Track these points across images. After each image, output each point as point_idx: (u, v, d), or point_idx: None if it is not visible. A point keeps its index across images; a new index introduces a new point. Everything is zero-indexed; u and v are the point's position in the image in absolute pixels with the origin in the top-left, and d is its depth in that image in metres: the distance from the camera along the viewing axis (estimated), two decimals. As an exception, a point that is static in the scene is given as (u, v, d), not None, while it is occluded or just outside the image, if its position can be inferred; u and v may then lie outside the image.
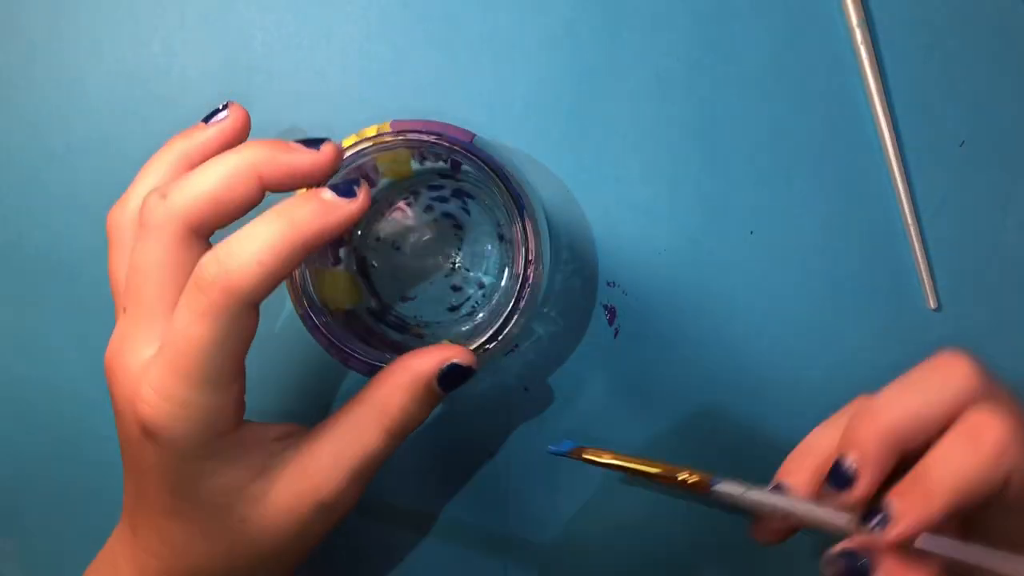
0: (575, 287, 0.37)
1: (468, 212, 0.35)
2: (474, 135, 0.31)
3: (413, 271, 0.35)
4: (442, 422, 0.38)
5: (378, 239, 0.35)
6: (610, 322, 0.37)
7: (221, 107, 0.29)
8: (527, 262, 0.29)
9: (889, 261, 0.37)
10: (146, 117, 0.37)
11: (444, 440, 0.38)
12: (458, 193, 0.35)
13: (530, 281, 0.29)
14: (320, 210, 0.25)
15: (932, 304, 0.37)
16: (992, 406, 0.26)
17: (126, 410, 0.27)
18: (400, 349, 0.34)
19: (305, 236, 0.25)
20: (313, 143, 0.27)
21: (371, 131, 0.30)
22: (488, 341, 0.29)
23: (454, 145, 0.29)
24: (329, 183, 0.26)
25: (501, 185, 0.29)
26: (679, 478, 0.28)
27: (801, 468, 0.29)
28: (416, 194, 0.35)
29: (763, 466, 0.38)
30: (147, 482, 0.27)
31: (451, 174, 0.34)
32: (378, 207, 0.35)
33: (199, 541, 0.27)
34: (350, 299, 0.34)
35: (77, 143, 0.37)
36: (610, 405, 0.38)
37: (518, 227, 0.29)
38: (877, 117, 0.36)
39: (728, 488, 0.28)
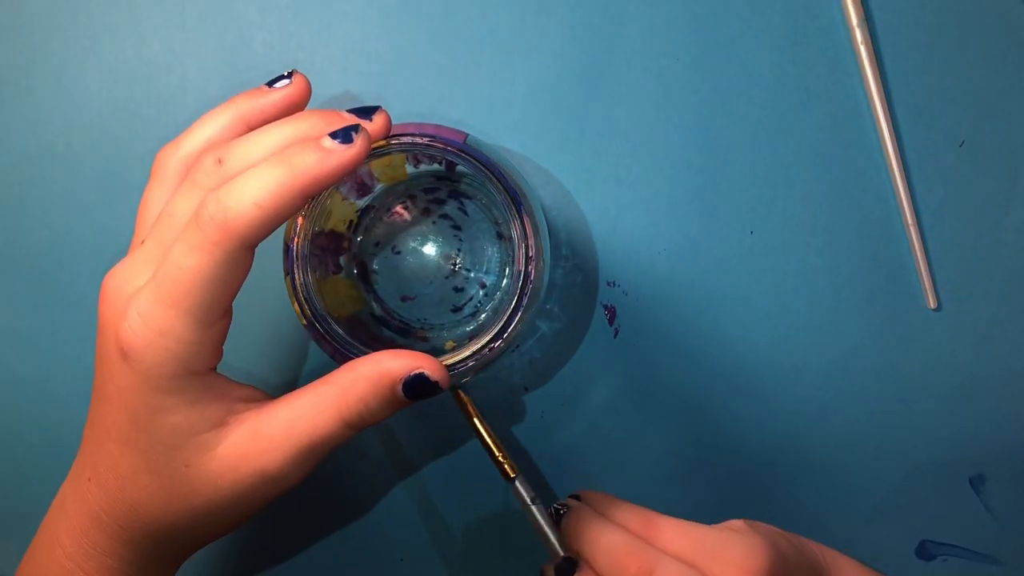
0: (575, 287, 0.37)
1: (466, 213, 0.35)
2: (467, 135, 0.31)
3: (414, 274, 0.35)
4: (442, 422, 0.38)
5: (377, 244, 0.35)
6: (610, 322, 0.37)
7: (286, 73, 0.30)
8: (528, 259, 0.29)
9: (889, 261, 0.37)
10: (146, 117, 0.37)
11: (444, 440, 0.38)
12: (455, 194, 0.35)
13: (532, 278, 0.29)
14: (319, 156, 0.25)
15: (932, 304, 0.37)
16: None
17: (109, 330, 0.27)
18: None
19: (304, 181, 0.25)
20: (365, 112, 0.28)
21: None
22: (493, 339, 0.29)
23: (448, 146, 0.29)
24: (331, 130, 0.26)
25: (498, 183, 0.29)
26: (500, 460, 0.32)
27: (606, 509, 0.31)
28: (413, 198, 0.35)
29: (763, 465, 0.38)
30: (110, 406, 0.27)
31: (447, 176, 0.34)
32: (376, 212, 0.35)
33: (143, 475, 0.27)
34: (352, 305, 0.34)
35: (77, 143, 0.37)
36: (610, 405, 0.38)
37: (517, 224, 0.29)
38: (877, 117, 0.36)
39: (522, 488, 0.32)
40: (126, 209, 0.37)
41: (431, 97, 0.37)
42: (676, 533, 0.30)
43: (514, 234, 0.30)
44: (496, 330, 0.29)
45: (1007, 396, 0.38)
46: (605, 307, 0.37)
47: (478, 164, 0.29)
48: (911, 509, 0.38)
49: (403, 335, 0.35)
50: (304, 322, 0.30)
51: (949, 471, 0.38)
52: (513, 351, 0.38)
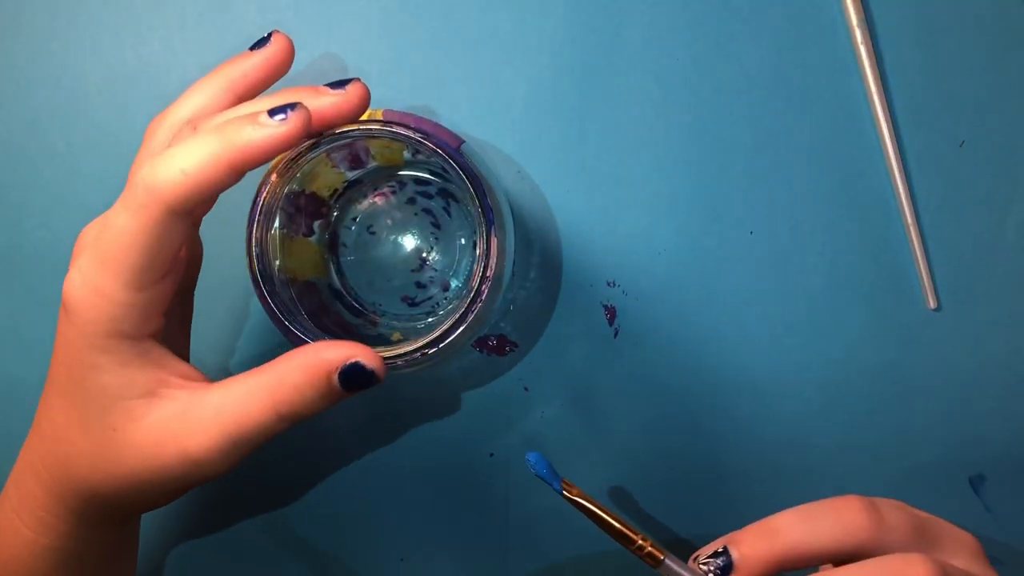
0: (574, 287, 0.37)
1: (449, 214, 0.35)
2: (463, 141, 0.30)
3: (382, 259, 0.35)
4: (442, 422, 0.38)
5: (355, 219, 0.35)
6: (610, 322, 0.37)
7: (267, 35, 0.30)
8: (483, 278, 0.29)
9: (889, 261, 0.37)
10: (146, 117, 0.37)
11: (444, 440, 0.38)
12: (443, 193, 0.35)
13: (482, 297, 0.29)
14: (253, 132, 0.25)
15: (932, 304, 0.37)
16: (922, 557, 0.26)
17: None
18: (350, 331, 0.34)
19: (234, 155, 0.25)
20: (339, 84, 0.28)
21: (362, 116, 0.30)
22: (427, 346, 0.29)
23: (437, 148, 0.29)
24: (270, 108, 0.26)
25: (474, 197, 0.29)
26: (636, 544, 0.28)
27: (755, 545, 0.27)
28: (403, 184, 0.35)
29: (763, 465, 0.38)
30: (56, 358, 0.28)
31: (440, 173, 0.34)
32: (362, 189, 0.35)
33: (75, 430, 0.28)
34: (313, 271, 0.34)
35: (77, 143, 0.37)
36: (610, 405, 0.38)
37: (482, 242, 0.29)
38: (877, 117, 0.36)
39: (674, 565, 0.28)
40: (126, 209, 0.37)
41: (431, 97, 0.37)
42: (791, 520, 0.27)
43: (478, 251, 0.29)
44: (432, 337, 0.29)
45: (1007, 396, 0.38)
46: (605, 307, 0.37)
47: (460, 174, 0.29)
48: (911, 509, 0.38)
49: (354, 314, 0.35)
50: (251, 276, 0.30)
51: (949, 471, 0.38)
52: (512, 350, 0.38)
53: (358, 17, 0.37)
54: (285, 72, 0.31)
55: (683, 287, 0.37)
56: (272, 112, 0.26)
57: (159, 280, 0.27)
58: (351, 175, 0.34)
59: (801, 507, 0.27)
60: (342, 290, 0.35)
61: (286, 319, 0.29)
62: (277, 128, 0.25)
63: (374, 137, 0.29)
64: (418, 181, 0.35)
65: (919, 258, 0.37)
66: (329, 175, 0.34)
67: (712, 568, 0.27)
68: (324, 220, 0.34)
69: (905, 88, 0.37)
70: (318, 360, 0.27)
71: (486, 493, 0.38)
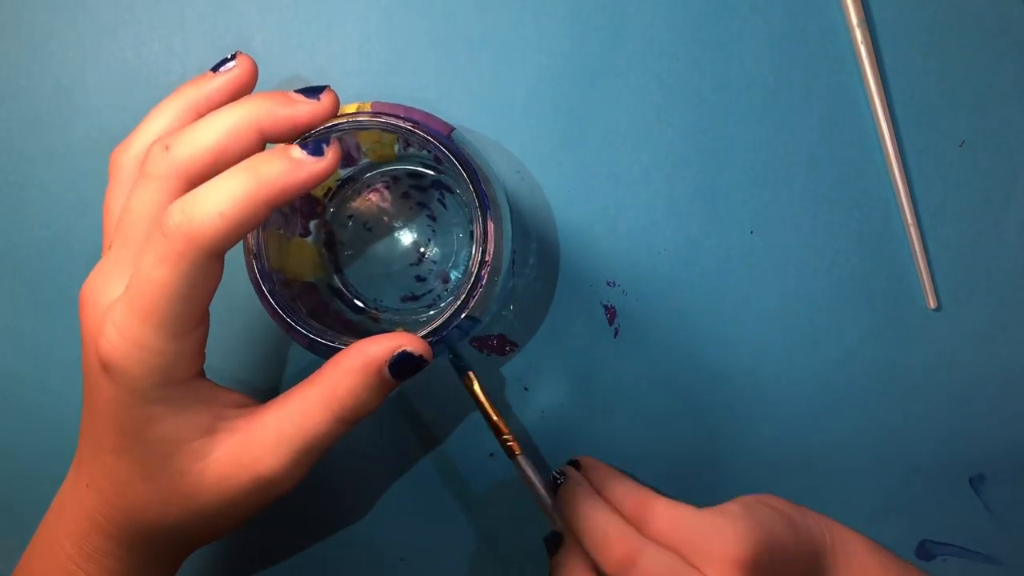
0: (574, 287, 0.37)
1: (444, 206, 0.35)
2: (453, 128, 0.30)
3: (380, 255, 0.35)
4: (442, 422, 0.38)
5: (350, 217, 0.35)
6: (610, 322, 0.37)
7: (229, 56, 0.30)
8: (482, 262, 0.29)
9: (889, 261, 0.37)
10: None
11: (444, 440, 0.38)
12: (437, 185, 0.35)
13: (483, 282, 0.29)
14: (287, 167, 0.25)
15: (932, 304, 0.37)
16: None
17: (90, 343, 0.27)
18: (353, 329, 0.34)
19: (270, 192, 0.25)
20: (312, 92, 0.28)
21: (351, 108, 0.30)
22: (429, 334, 0.29)
23: (428, 136, 0.29)
24: (299, 141, 0.26)
25: (468, 183, 0.29)
26: (505, 439, 0.34)
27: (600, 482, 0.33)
28: (396, 179, 0.35)
29: (763, 465, 0.38)
30: (100, 417, 0.28)
31: (433, 165, 0.34)
32: (356, 186, 0.35)
33: (138, 482, 0.28)
34: (312, 271, 0.34)
35: (77, 143, 0.37)
36: (610, 405, 0.38)
37: (479, 226, 0.29)
38: (877, 117, 0.36)
39: (524, 464, 0.34)
40: (126, 209, 0.37)
41: (431, 97, 0.37)
42: (667, 518, 0.30)
43: (476, 236, 0.29)
44: (435, 326, 0.29)
45: (1007, 396, 0.38)
46: (605, 307, 0.37)
47: (452, 160, 0.29)
48: (911, 509, 0.38)
49: (355, 312, 0.35)
50: (251, 276, 0.30)
51: (949, 471, 0.38)
52: (512, 350, 0.38)
53: (358, 17, 0.37)
54: (247, 93, 0.30)
55: (683, 287, 0.37)
56: (304, 146, 0.26)
57: (201, 322, 0.27)
58: (344, 173, 0.34)
59: (679, 508, 0.31)
60: (342, 288, 0.35)
61: (289, 317, 0.29)
62: (316, 165, 0.25)
63: (364, 129, 0.29)
64: (411, 175, 0.35)
65: (919, 258, 0.37)
66: None
67: (553, 476, 0.34)
68: (320, 219, 0.34)
69: (905, 88, 0.37)
70: (366, 359, 0.28)
71: (486, 493, 0.38)
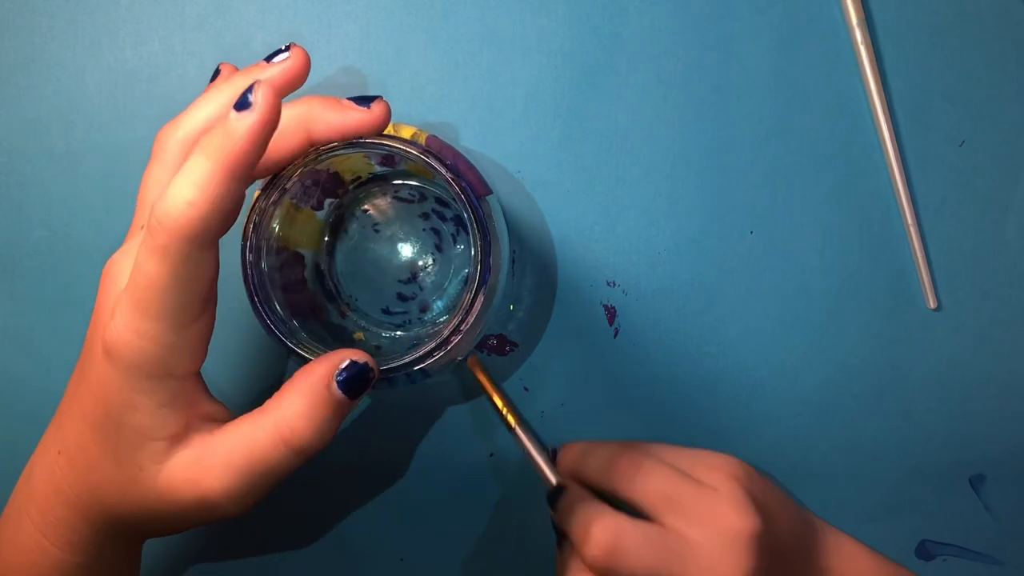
0: (574, 287, 0.37)
1: (455, 242, 0.35)
2: (490, 192, 0.30)
3: (375, 258, 0.35)
4: (442, 422, 0.38)
5: (365, 211, 0.35)
6: (610, 322, 0.37)
7: (283, 48, 0.29)
8: (456, 330, 0.29)
9: (889, 261, 0.37)
10: (146, 117, 0.37)
11: (444, 440, 0.38)
12: (457, 220, 0.35)
13: (448, 347, 0.29)
14: (225, 134, 0.24)
15: (932, 304, 0.37)
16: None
17: (100, 322, 0.28)
18: (316, 313, 0.34)
19: (224, 165, 0.24)
20: (364, 100, 0.28)
21: (408, 131, 0.30)
22: (389, 371, 0.29)
23: (462, 193, 0.28)
24: (233, 103, 0.25)
25: (479, 250, 0.29)
26: (503, 411, 0.36)
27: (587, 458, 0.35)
28: (423, 197, 0.35)
29: (763, 465, 0.38)
30: (90, 391, 0.28)
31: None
32: (383, 186, 0.35)
33: (107, 462, 0.28)
34: (308, 243, 0.34)
35: (77, 143, 0.37)
36: (610, 405, 0.38)
37: (468, 296, 0.29)
38: (877, 117, 0.36)
39: (523, 433, 0.36)
40: (126, 209, 0.37)
41: (431, 97, 0.37)
42: (665, 449, 0.34)
43: (463, 301, 0.29)
44: (390, 366, 0.29)
45: (1007, 396, 0.38)
46: (605, 307, 0.37)
47: (473, 223, 0.28)
48: (911, 509, 0.38)
49: (327, 298, 0.35)
50: (243, 242, 0.29)
51: (949, 471, 0.38)
52: (512, 350, 0.38)
53: (358, 17, 0.37)
54: (299, 87, 0.30)
55: (683, 287, 0.37)
56: (237, 106, 0.24)
57: (201, 313, 0.27)
58: (379, 170, 0.34)
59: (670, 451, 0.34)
60: (326, 272, 0.35)
61: (256, 294, 0.29)
62: (246, 118, 0.24)
63: (409, 160, 0.29)
64: (439, 200, 0.35)
65: (919, 258, 0.37)
66: (359, 162, 0.34)
67: (552, 449, 0.36)
68: (337, 201, 0.34)
69: (905, 88, 0.37)
70: (314, 377, 0.27)
71: (486, 493, 0.38)
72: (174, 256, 0.25)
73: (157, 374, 0.26)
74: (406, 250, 0.35)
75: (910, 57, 0.37)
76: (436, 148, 0.29)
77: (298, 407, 0.27)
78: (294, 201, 0.32)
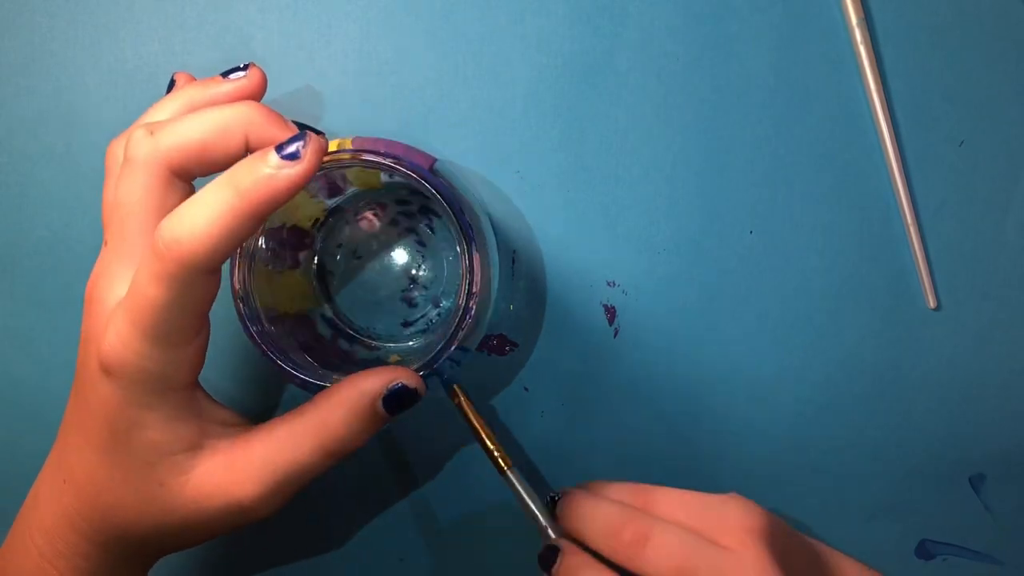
0: (574, 287, 0.37)
1: (432, 231, 0.35)
2: (435, 160, 0.30)
3: (371, 282, 0.35)
4: (442, 422, 0.38)
5: (339, 246, 0.35)
6: (610, 322, 0.37)
7: (242, 66, 0.30)
8: (469, 294, 0.29)
9: (889, 261, 0.37)
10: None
11: (444, 440, 0.38)
12: (425, 211, 0.35)
13: (471, 313, 0.29)
14: (265, 176, 0.24)
15: (932, 304, 0.37)
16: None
17: (92, 343, 0.27)
18: (348, 358, 0.34)
19: (252, 204, 0.24)
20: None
21: (332, 145, 0.30)
22: (420, 368, 0.29)
23: (410, 171, 0.29)
24: (276, 146, 0.25)
25: (452, 215, 0.29)
26: (494, 453, 0.33)
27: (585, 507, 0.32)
28: (383, 206, 0.35)
29: (763, 465, 0.38)
30: (91, 414, 0.27)
31: (420, 191, 0.34)
32: (344, 215, 0.35)
33: (119, 485, 0.28)
34: (303, 303, 0.34)
35: (77, 143, 0.37)
36: (610, 405, 0.38)
37: (465, 259, 0.29)
38: (877, 117, 0.36)
39: (515, 479, 0.33)
40: (126, 209, 0.37)
41: (431, 97, 0.37)
42: (672, 501, 0.30)
43: (462, 268, 0.29)
44: (426, 360, 0.29)
45: (1007, 396, 0.38)
46: (605, 307, 0.37)
47: (436, 194, 0.29)
48: (911, 509, 0.38)
49: (349, 341, 0.35)
50: (239, 319, 0.30)
51: (949, 471, 0.38)
52: (512, 350, 0.38)
53: (358, 17, 0.37)
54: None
55: (683, 287, 0.37)
56: (281, 150, 0.25)
57: (200, 329, 0.27)
58: (331, 203, 0.34)
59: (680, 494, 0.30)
60: (335, 318, 0.35)
61: (277, 357, 0.29)
62: (293, 171, 0.24)
63: (345, 167, 0.29)
64: (399, 201, 0.35)
65: (919, 258, 0.37)
66: (309, 206, 0.34)
67: (550, 497, 0.33)
68: (309, 251, 0.35)
69: (905, 88, 0.37)
70: (359, 393, 0.28)
71: (486, 493, 0.38)
72: (180, 282, 0.25)
73: (159, 390, 0.26)
74: (394, 262, 0.35)
75: (910, 57, 0.37)
76: (364, 145, 0.29)
77: (341, 419, 0.28)
78: (268, 267, 0.32)
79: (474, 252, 0.29)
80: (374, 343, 0.35)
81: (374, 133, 0.37)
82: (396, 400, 0.28)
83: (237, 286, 0.30)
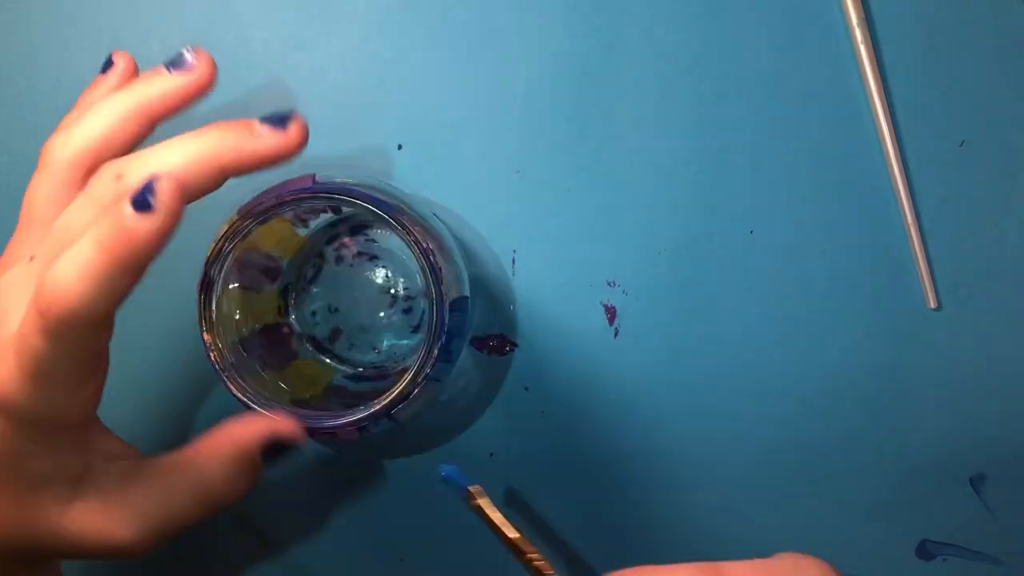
0: (574, 287, 0.37)
1: (374, 240, 0.35)
2: (314, 175, 0.29)
3: (361, 320, 0.35)
4: (442, 422, 0.38)
5: (314, 313, 0.35)
6: (610, 322, 0.37)
7: (187, 52, 0.27)
8: (439, 303, 0.28)
9: (889, 261, 0.37)
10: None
11: (444, 440, 0.38)
12: (356, 231, 0.35)
13: (444, 326, 0.28)
14: (121, 232, 0.22)
15: (932, 304, 0.37)
16: None
17: None
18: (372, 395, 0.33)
19: (118, 260, 0.22)
20: (278, 121, 0.26)
21: (224, 227, 0.28)
22: (415, 377, 0.28)
23: (333, 194, 0.27)
24: (134, 195, 0.22)
25: (393, 222, 0.28)
26: (528, 557, 0.28)
27: None
28: (321, 255, 0.35)
29: (763, 465, 0.38)
30: None
31: (339, 219, 0.34)
32: (296, 287, 0.35)
33: (7, 507, 0.27)
34: (324, 379, 0.34)
35: (77, 143, 0.37)
36: (610, 405, 0.38)
37: (424, 266, 0.28)
38: (877, 117, 0.36)
39: None
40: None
41: (431, 97, 0.37)
42: (743, 570, 0.26)
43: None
44: (385, 403, 0.28)
45: (1007, 396, 0.38)
46: (605, 307, 0.37)
47: (364, 204, 0.28)
48: (911, 509, 0.38)
49: (381, 379, 0.35)
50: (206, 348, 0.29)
51: (949, 471, 0.38)
52: (511, 350, 0.38)
53: (358, 17, 0.37)
54: (204, 97, 0.28)
55: (683, 287, 0.37)
56: (136, 205, 0.22)
57: (94, 372, 0.25)
58: (277, 286, 0.34)
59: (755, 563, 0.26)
60: (356, 374, 0.35)
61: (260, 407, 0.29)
62: (148, 224, 0.22)
63: (247, 236, 0.28)
64: (328, 241, 0.35)
65: (919, 258, 0.37)
66: (262, 301, 0.33)
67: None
68: (294, 336, 0.35)
69: (905, 88, 0.37)
70: (238, 446, 0.27)
71: (487, 493, 0.38)
72: (63, 337, 0.23)
73: (50, 428, 0.25)
74: (366, 291, 0.35)
75: (910, 57, 0.37)
76: (248, 208, 0.28)
77: (222, 474, 0.27)
78: (269, 370, 0.32)
79: (436, 266, 0.28)
80: (404, 364, 0.35)
81: (374, 132, 0.37)
82: (273, 451, 0.27)
83: (202, 308, 0.29)
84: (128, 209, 0.22)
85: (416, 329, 0.35)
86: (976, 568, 0.39)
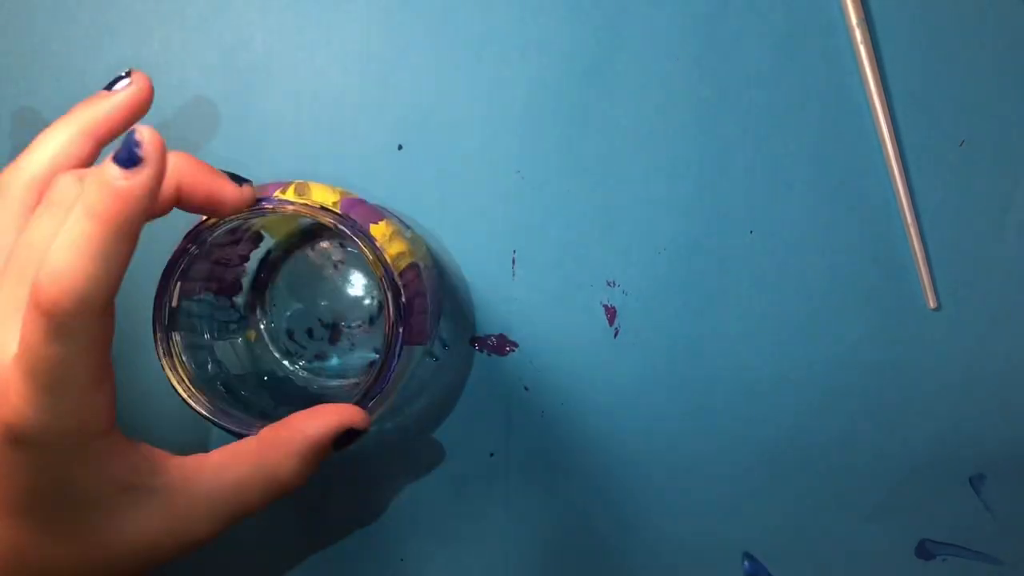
0: (574, 287, 0.37)
1: (343, 245, 0.35)
2: (249, 184, 0.29)
3: (350, 345, 0.36)
4: (442, 422, 0.38)
5: (290, 334, 0.35)
6: (610, 322, 0.37)
7: (124, 74, 0.29)
8: (398, 312, 0.28)
9: (889, 261, 0.37)
10: (146, 118, 0.37)
11: (444, 440, 0.38)
12: (309, 240, 0.35)
13: (399, 339, 0.28)
14: (114, 192, 0.22)
15: (932, 304, 0.37)
16: None
17: None
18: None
19: (112, 224, 0.22)
20: (237, 179, 0.27)
21: (288, 192, 0.29)
22: (366, 399, 0.29)
23: (350, 231, 0.28)
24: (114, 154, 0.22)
25: (368, 255, 0.28)
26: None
27: None
28: (297, 275, 0.35)
29: (763, 465, 0.38)
30: (3, 483, 0.25)
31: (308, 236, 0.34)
32: (272, 319, 0.35)
33: (49, 543, 0.26)
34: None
35: (77, 143, 0.37)
36: (610, 405, 0.38)
37: (384, 285, 0.28)
38: (877, 117, 0.36)
39: None
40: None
41: (431, 97, 0.37)
42: None
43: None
44: (366, 392, 0.29)
45: (1007, 396, 0.38)
46: (605, 307, 0.37)
47: (352, 238, 0.28)
48: (911, 509, 0.38)
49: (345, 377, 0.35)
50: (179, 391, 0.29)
51: (949, 471, 0.38)
52: (511, 350, 0.38)
53: (358, 17, 0.37)
54: (145, 113, 0.29)
55: (683, 287, 0.37)
56: (123, 162, 0.22)
57: (108, 374, 0.25)
58: (238, 301, 0.34)
59: None
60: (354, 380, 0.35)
61: (243, 430, 0.29)
62: (142, 174, 0.22)
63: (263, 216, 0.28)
64: (300, 262, 0.35)
65: (919, 258, 0.37)
66: (246, 352, 0.34)
67: None
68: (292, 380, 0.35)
69: (905, 88, 0.37)
70: (310, 442, 0.27)
71: (486, 493, 0.38)
72: (73, 332, 0.23)
73: (78, 441, 0.25)
74: (339, 310, 0.35)
75: (910, 57, 0.37)
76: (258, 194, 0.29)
77: (294, 468, 0.27)
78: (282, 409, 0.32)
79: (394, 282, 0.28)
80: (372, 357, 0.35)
81: (374, 132, 0.37)
82: (345, 441, 0.28)
83: (165, 350, 0.29)
84: (114, 170, 0.22)
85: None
86: (976, 568, 0.39)
